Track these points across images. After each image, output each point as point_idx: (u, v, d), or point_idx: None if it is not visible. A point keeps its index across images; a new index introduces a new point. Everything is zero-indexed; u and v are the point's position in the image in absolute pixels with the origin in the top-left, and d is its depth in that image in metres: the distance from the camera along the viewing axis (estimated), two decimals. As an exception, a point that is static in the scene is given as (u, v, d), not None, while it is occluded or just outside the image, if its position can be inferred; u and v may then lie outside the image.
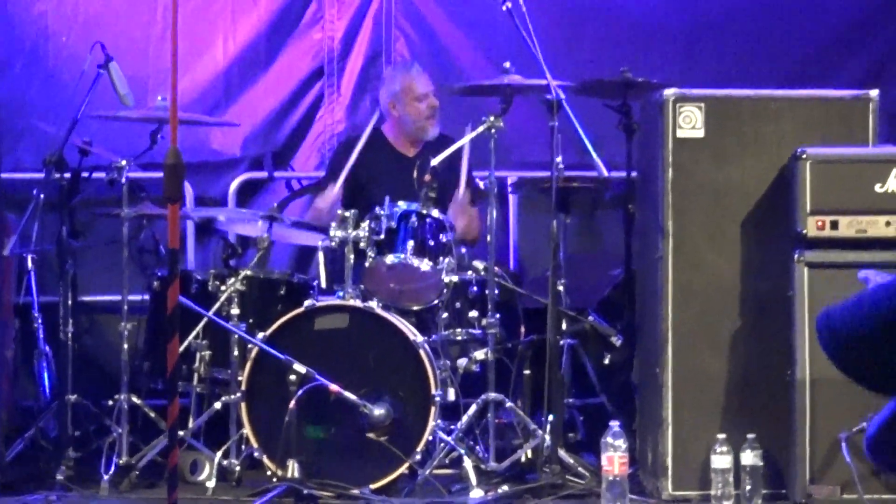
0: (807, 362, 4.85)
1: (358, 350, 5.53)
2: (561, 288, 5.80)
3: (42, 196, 5.69)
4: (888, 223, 4.87)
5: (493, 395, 5.52)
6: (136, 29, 7.35)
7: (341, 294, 5.67)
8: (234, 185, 7.34)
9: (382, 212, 5.77)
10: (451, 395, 5.68)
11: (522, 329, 6.14)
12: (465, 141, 5.92)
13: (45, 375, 6.06)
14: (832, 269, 4.87)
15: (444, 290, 5.72)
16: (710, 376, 5.14)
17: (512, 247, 7.51)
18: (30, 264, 6.16)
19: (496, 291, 5.75)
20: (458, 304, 5.87)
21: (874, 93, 5.35)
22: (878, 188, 4.88)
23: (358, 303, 5.52)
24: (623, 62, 5.92)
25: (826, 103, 5.37)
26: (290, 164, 7.62)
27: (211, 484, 5.12)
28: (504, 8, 5.75)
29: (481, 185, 6.05)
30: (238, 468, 5.18)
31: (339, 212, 5.98)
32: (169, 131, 4.84)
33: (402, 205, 5.81)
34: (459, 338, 5.88)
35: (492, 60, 7.15)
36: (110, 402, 5.52)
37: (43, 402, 6.04)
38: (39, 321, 6.09)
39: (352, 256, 5.72)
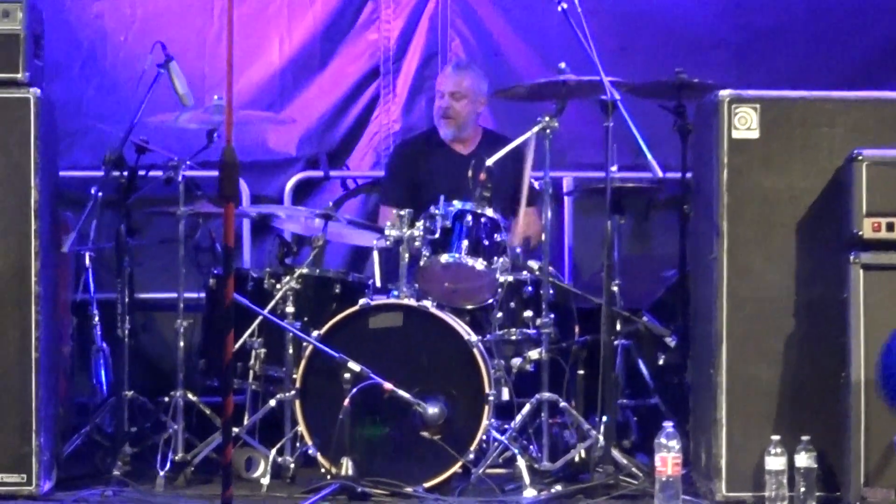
0: (862, 364, 4.82)
1: (412, 349, 5.56)
2: (615, 289, 5.91)
3: (100, 194, 5.72)
4: (944, 225, 4.94)
5: (546, 395, 5.58)
6: (192, 29, 7.44)
7: (396, 293, 5.73)
8: (289, 184, 7.42)
9: (437, 211, 5.79)
10: (505, 394, 5.76)
11: (577, 329, 6.13)
12: (520, 141, 5.84)
13: (102, 372, 6.21)
14: (888, 270, 4.88)
15: (499, 290, 5.76)
16: (763, 378, 5.14)
17: (567, 248, 7.51)
18: (87, 262, 6.30)
19: (551, 291, 5.77)
20: (512, 304, 5.91)
21: (932, 94, 5.41)
22: (934, 190, 4.89)
23: (412, 302, 5.56)
24: (676, 68, 6.07)
25: (881, 105, 5.32)
26: (345, 163, 7.70)
27: (266, 481, 5.18)
28: (559, 9, 5.77)
29: (536, 185, 6.09)
30: (292, 465, 5.26)
31: (394, 211, 6.06)
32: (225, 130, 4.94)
33: (457, 204, 5.84)
34: (514, 337, 5.90)
35: (546, 63, 7.10)
36: (166, 399, 5.64)
37: (100, 398, 6.19)
38: (97, 318, 6.22)
39: (406, 255, 5.75)
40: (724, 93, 5.20)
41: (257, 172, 7.43)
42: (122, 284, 5.73)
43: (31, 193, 5.13)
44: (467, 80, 6.98)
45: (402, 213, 5.88)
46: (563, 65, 5.92)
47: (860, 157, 4.86)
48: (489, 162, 5.80)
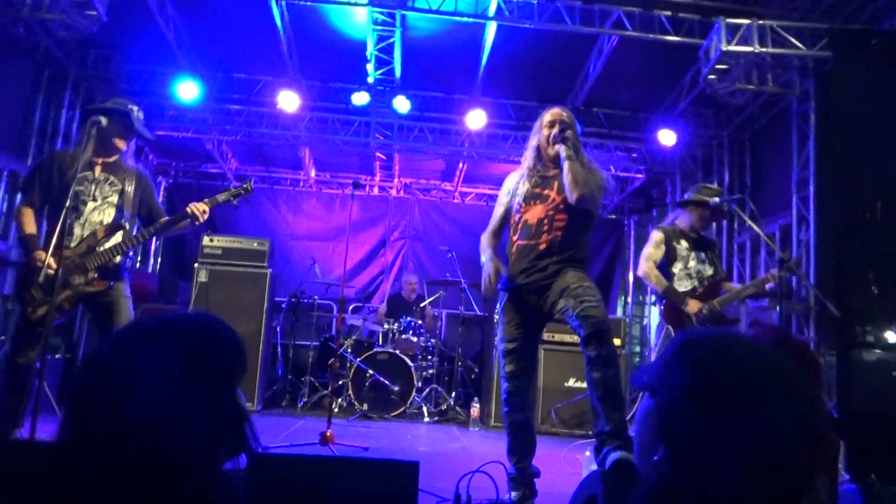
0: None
1: (394, 376, 10.04)
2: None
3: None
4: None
5: (434, 385, 10.14)
6: (326, 251, 13.65)
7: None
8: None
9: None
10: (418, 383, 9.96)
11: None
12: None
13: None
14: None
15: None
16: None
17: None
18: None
19: (432, 340, 10.63)
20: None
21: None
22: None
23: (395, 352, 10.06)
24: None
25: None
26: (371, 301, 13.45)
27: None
28: (448, 255, 11.14)
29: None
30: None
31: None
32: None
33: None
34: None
35: (441, 272, 12.59)
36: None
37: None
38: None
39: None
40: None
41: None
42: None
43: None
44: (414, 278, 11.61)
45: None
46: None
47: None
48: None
